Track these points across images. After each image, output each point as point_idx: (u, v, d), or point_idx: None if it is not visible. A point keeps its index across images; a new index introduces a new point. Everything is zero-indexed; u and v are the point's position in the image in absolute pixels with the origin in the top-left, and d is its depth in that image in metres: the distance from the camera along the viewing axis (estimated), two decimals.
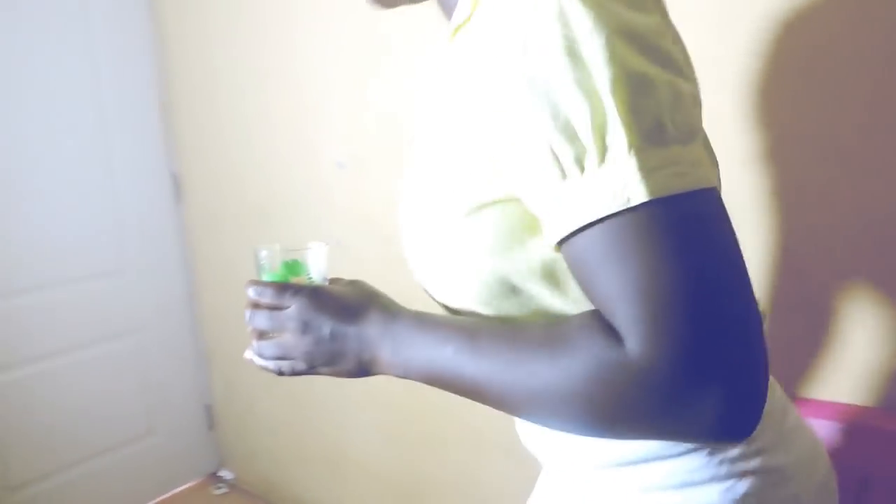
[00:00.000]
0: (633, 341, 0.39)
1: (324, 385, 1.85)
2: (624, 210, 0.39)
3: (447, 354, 0.49)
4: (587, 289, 0.43)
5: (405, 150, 1.49)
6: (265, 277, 0.62)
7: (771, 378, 0.55)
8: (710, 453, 0.51)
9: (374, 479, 1.80)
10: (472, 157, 0.47)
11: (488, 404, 0.49)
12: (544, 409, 0.45)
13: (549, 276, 0.48)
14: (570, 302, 0.49)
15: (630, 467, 0.53)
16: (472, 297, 0.52)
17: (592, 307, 0.44)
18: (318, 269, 0.62)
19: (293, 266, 0.61)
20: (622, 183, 0.39)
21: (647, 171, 0.39)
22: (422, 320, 0.53)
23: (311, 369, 0.58)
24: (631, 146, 0.39)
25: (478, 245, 0.49)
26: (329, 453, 1.92)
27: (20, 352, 1.86)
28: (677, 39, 0.45)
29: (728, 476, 0.51)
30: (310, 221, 1.79)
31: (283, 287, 0.57)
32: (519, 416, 0.49)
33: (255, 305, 0.59)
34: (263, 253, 0.62)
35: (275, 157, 1.85)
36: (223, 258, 2.11)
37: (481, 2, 0.46)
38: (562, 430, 0.46)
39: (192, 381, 2.31)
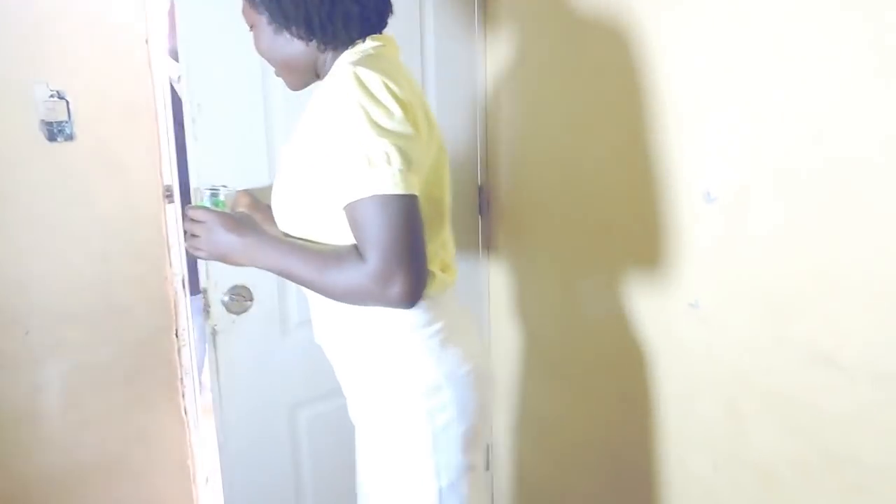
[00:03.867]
0: (370, 260, 0.87)
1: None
2: (373, 195, 0.85)
3: (290, 262, 0.96)
4: (355, 235, 0.90)
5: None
6: (198, 204, 1.09)
7: (453, 294, 1.09)
8: (418, 335, 1.02)
9: None
10: (314, 160, 0.95)
11: (301, 285, 1.00)
12: (332, 294, 0.95)
13: (334, 224, 0.96)
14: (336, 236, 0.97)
15: (379, 354, 1.04)
16: (299, 230, 1.02)
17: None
18: (227, 204, 1.12)
19: (215, 200, 1.10)
20: (373, 182, 0.85)
21: (382, 179, 0.85)
22: (276, 241, 0.99)
23: (208, 256, 1.03)
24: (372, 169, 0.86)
25: (313, 208, 0.98)
26: None
27: None
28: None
29: (421, 350, 1.02)
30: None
31: (204, 210, 1.03)
32: (314, 291, 0.98)
33: (191, 220, 1.03)
34: (199, 190, 1.13)
35: (617, 176, 1.42)
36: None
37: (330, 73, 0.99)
38: (334, 300, 0.97)
39: None
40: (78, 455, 1.62)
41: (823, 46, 1.03)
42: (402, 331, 1.01)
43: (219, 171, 1.35)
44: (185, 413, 1.75)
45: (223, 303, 1.41)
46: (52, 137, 1.46)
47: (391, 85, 0.89)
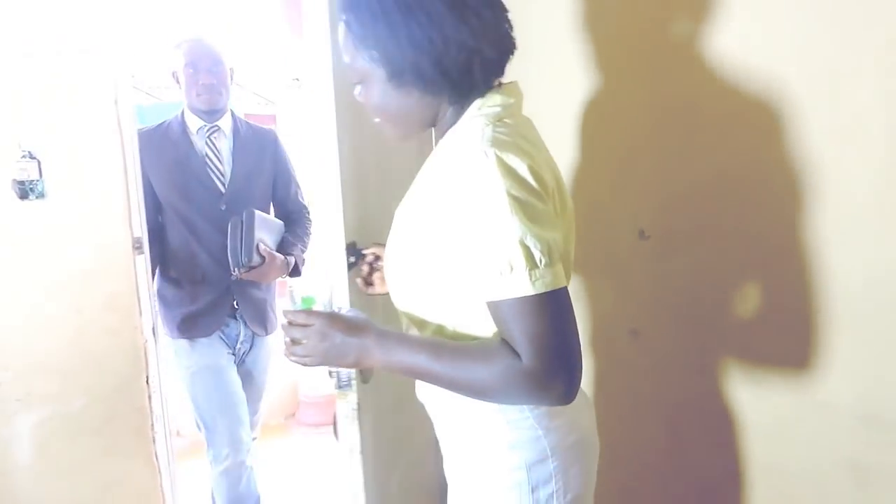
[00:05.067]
0: (526, 358, 0.80)
1: None
2: (524, 296, 0.79)
3: (421, 360, 0.88)
4: (498, 328, 0.84)
5: None
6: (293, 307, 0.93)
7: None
8: (532, 415, 0.93)
9: None
10: (443, 238, 0.87)
11: (439, 386, 0.89)
12: (474, 392, 0.87)
13: (461, 302, 0.91)
14: (477, 325, 0.91)
15: (484, 421, 0.95)
16: (428, 313, 0.95)
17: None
18: (324, 303, 1.07)
19: (307, 300, 1.12)
20: (527, 282, 0.79)
21: (528, 280, 0.79)
22: (401, 336, 0.92)
23: (323, 362, 0.93)
24: (526, 268, 0.80)
25: (438, 285, 0.91)
26: None
27: None
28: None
29: (528, 419, 0.94)
30: None
31: (309, 312, 0.93)
32: (457, 393, 0.89)
33: (291, 324, 0.94)
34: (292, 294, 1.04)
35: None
36: None
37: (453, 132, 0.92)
38: (479, 399, 0.89)
39: None
40: None
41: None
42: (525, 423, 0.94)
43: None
44: (157, 459, 1.78)
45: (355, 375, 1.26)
46: (23, 195, 1.53)
47: (536, 169, 0.83)
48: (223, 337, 2.10)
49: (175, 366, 2.08)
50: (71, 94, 1.56)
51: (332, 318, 0.93)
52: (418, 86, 0.90)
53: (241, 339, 2.13)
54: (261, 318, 2.14)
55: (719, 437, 1.28)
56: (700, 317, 1.28)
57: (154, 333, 1.73)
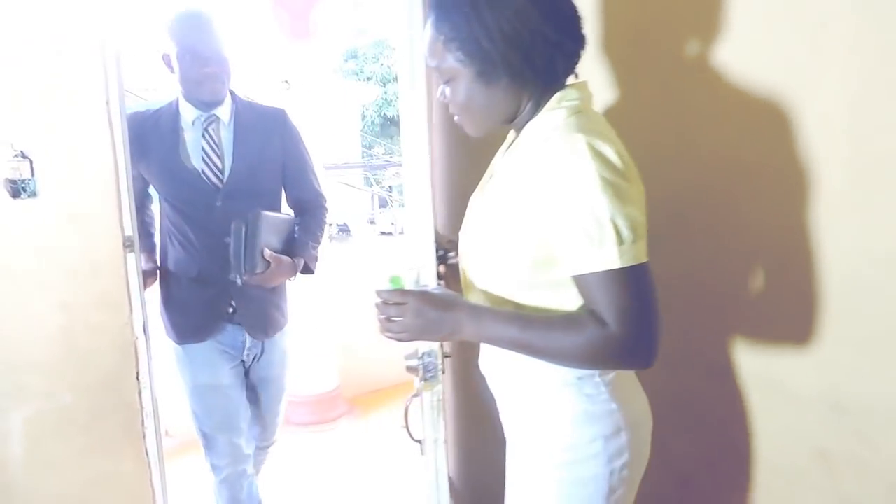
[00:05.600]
0: (613, 325, 0.88)
1: None
2: (615, 268, 0.87)
3: (513, 331, 0.94)
4: (586, 299, 0.92)
5: None
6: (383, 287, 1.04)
7: None
8: (578, 389, 1.00)
9: None
10: (528, 219, 0.94)
11: (527, 354, 0.95)
12: (564, 358, 0.94)
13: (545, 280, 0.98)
14: (562, 297, 0.97)
15: (559, 394, 1.01)
16: (509, 291, 1.01)
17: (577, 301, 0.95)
18: (413, 281, 1.12)
19: (395, 279, 1.05)
20: (616, 256, 0.87)
21: (617, 254, 0.87)
22: (491, 310, 0.98)
23: (418, 337, 1.01)
24: (616, 243, 0.87)
25: (522, 268, 0.98)
26: None
27: None
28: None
29: (603, 394, 1.01)
30: None
31: (403, 291, 1.01)
32: (549, 362, 0.95)
33: (385, 303, 1.00)
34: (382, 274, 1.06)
35: None
36: None
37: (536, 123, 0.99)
38: (566, 366, 0.96)
39: None
40: (40, 501, 1.65)
41: None
42: (591, 371, 1.00)
43: None
44: (147, 455, 1.80)
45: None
46: (15, 194, 1.55)
47: (622, 153, 0.91)
48: (225, 348, 1.92)
49: (176, 371, 1.98)
50: (65, 94, 1.58)
51: (426, 296, 0.99)
52: (506, 80, 0.96)
53: (248, 345, 1.94)
54: (262, 323, 1.93)
55: (695, 428, 1.32)
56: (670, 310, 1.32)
57: (145, 331, 1.75)
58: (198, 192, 1.82)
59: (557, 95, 0.98)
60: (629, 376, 1.07)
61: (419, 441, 1.31)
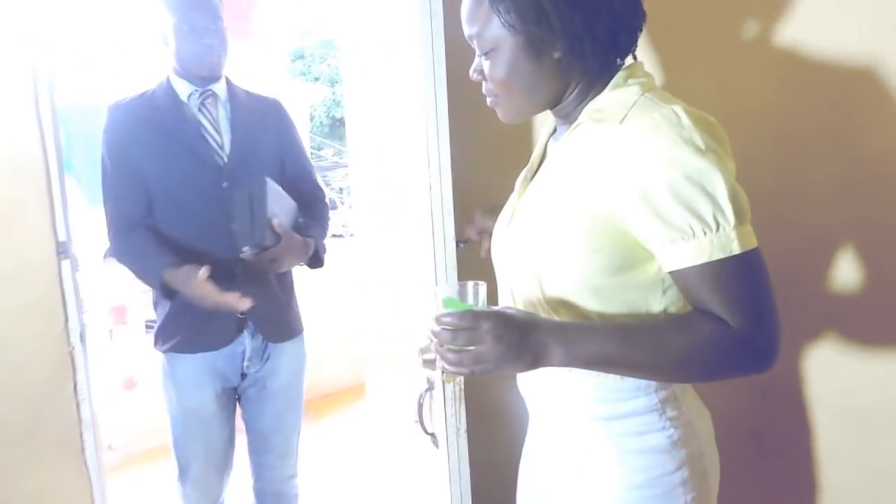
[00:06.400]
0: (738, 323, 0.75)
1: None
2: (734, 255, 0.74)
3: (611, 347, 0.77)
4: (694, 297, 0.77)
5: None
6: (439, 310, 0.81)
7: None
8: (660, 414, 0.84)
9: None
10: (608, 212, 0.79)
11: (636, 375, 0.81)
12: (680, 371, 0.79)
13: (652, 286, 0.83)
14: (649, 302, 0.83)
15: (605, 422, 0.86)
16: (589, 300, 0.83)
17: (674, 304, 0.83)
18: (477, 300, 0.83)
19: (450, 301, 0.82)
20: (734, 240, 0.74)
21: (735, 237, 0.74)
22: (580, 326, 0.81)
23: (497, 369, 0.77)
24: (733, 224, 0.74)
25: (603, 270, 0.81)
26: None
27: None
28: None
29: (667, 427, 0.85)
30: None
31: (473, 313, 0.78)
32: (657, 379, 0.82)
33: (454, 329, 0.77)
34: (437, 292, 0.84)
35: None
36: None
37: (603, 110, 0.82)
38: (680, 380, 0.83)
39: None
40: None
41: None
42: (669, 386, 0.86)
43: None
44: (87, 468, 1.73)
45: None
46: None
47: (714, 124, 0.78)
48: (220, 362, 1.72)
49: (161, 388, 1.79)
50: None
51: (502, 316, 0.77)
52: (558, 54, 0.82)
53: (248, 355, 1.73)
54: (274, 322, 1.76)
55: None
56: None
57: (82, 340, 1.69)
58: (202, 172, 1.66)
59: (623, 73, 0.85)
60: (688, 388, 0.91)
61: (432, 434, 1.27)
